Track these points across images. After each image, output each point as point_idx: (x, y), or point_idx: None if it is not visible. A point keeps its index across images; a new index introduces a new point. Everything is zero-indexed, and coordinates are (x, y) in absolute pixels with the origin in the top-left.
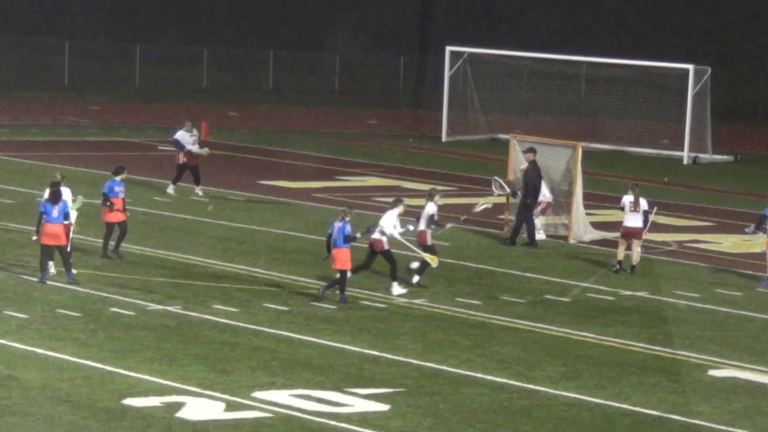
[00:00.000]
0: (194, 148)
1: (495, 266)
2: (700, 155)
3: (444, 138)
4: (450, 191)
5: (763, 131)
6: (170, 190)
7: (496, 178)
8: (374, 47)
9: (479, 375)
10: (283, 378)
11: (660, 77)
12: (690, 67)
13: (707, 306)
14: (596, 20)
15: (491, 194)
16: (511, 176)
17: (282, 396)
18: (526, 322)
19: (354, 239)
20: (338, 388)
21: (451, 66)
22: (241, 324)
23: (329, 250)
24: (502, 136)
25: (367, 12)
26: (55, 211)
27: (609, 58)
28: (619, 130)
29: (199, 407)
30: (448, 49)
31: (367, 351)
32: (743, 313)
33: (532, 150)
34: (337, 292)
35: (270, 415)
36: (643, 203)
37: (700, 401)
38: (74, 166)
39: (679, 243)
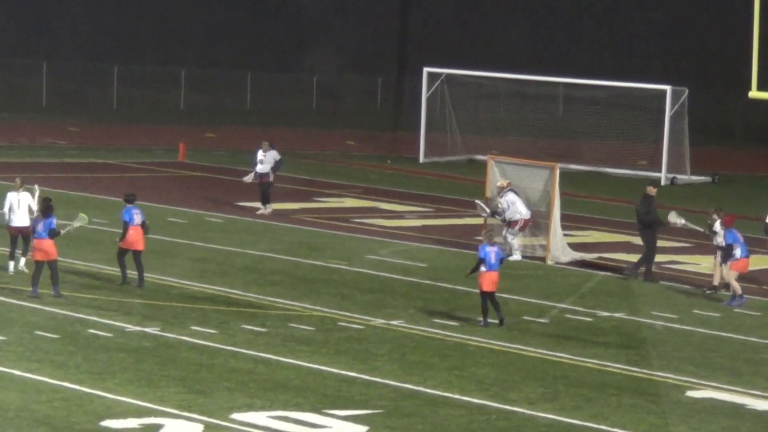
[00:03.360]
0: (259, 168)
1: (472, 287)
2: (678, 176)
3: (421, 159)
4: (427, 212)
5: (740, 152)
6: (264, 210)
7: (478, 201)
8: (352, 68)
9: (457, 396)
10: (261, 399)
11: (637, 98)
12: (667, 87)
13: (685, 327)
14: (574, 41)
15: (478, 215)
16: (488, 193)
17: (260, 418)
18: (503, 344)
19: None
20: (316, 410)
21: (429, 87)
22: (218, 345)
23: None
24: (479, 157)
25: (345, 33)
26: (41, 226)
27: (586, 79)
28: (596, 150)
29: (177, 429)
30: (426, 70)
31: (344, 372)
32: (721, 333)
33: None
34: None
35: None
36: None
37: (679, 422)
38: (52, 187)
39: (657, 264)
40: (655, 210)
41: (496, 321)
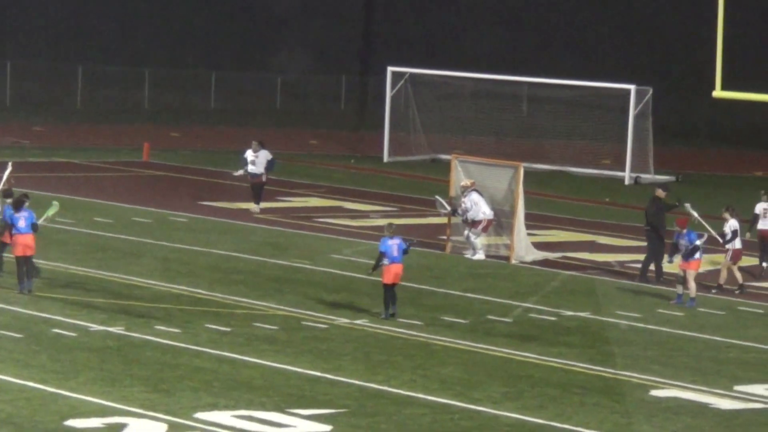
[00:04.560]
0: (251, 168)
1: (436, 287)
2: (642, 175)
3: (385, 158)
4: (391, 212)
5: (704, 151)
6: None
7: (438, 197)
8: (316, 67)
9: (421, 395)
10: (225, 399)
11: (601, 97)
12: (631, 87)
13: (649, 326)
14: (538, 41)
15: (438, 214)
16: (452, 193)
17: (224, 417)
18: (467, 343)
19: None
20: (280, 409)
21: (393, 86)
22: (182, 345)
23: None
24: (443, 156)
25: (309, 32)
26: (22, 222)
27: (551, 79)
28: (560, 150)
29: (141, 429)
30: (390, 69)
31: (308, 371)
32: (685, 333)
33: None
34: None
35: None
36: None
37: (642, 421)
38: (16, 187)
39: (621, 263)
40: (663, 213)
41: (392, 312)
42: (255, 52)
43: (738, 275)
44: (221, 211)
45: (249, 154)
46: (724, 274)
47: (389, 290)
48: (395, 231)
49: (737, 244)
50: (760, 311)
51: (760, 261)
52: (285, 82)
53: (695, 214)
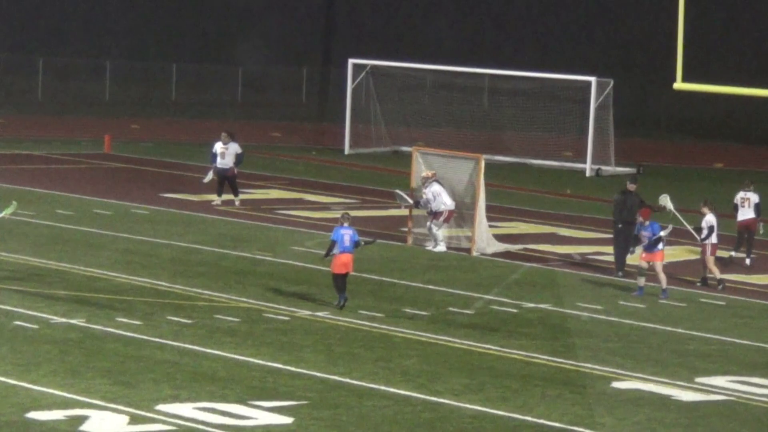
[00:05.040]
0: (220, 162)
1: (398, 279)
2: (603, 167)
3: (346, 150)
4: (352, 204)
5: (665, 143)
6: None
7: (398, 191)
8: (277, 60)
9: (382, 387)
10: (187, 391)
11: (562, 89)
12: (592, 79)
13: (610, 318)
14: (499, 32)
15: (398, 207)
16: (414, 184)
17: (186, 409)
18: (429, 335)
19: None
20: (242, 401)
21: (354, 78)
22: (144, 337)
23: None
24: (404, 148)
25: (270, 25)
26: None
27: (512, 71)
28: (521, 142)
29: (103, 420)
30: (351, 61)
31: (270, 363)
32: (646, 325)
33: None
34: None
35: (174, 428)
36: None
37: (604, 413)
38: None
39: (582, 255)
40: (633, 206)
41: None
42: (216, 45)
43: (715, 270)
44: (183, 203)
45: (218, 147)
46: (715, 269)
47: (338, 279)
48: (351, 222)
49: (714, 239)
50: (722, 303)
51: (736, 250)
52: (246, 74)
53: (671, 206)
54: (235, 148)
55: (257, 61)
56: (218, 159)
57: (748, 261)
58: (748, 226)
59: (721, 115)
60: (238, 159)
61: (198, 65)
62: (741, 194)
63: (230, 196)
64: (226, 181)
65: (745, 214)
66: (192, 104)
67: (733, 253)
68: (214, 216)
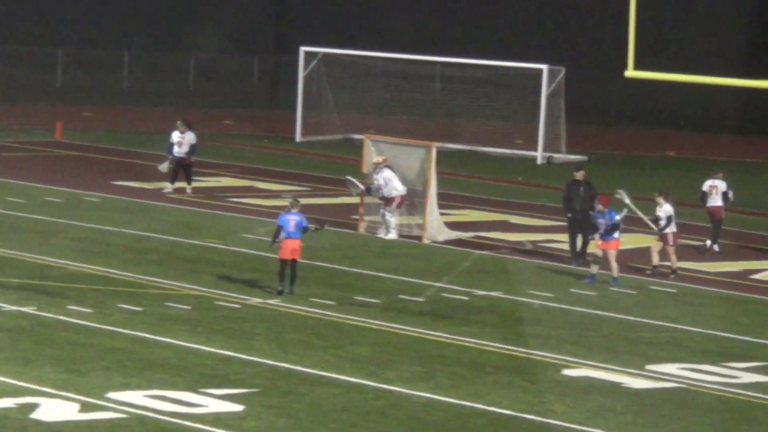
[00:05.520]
0: (177, 151)
1: (349, 266)
2: (554, 155)
3: (298, 138)
4: (304, 191)
5: (616, 131)
6: (169, 189)
7: (349, 177)
8: (229, 47)
9: (333, 375)
10: (138, 378)
11: (514, 77)
12: (544, 67)
13: (561, 306)
14: (451, 20)
15: (349, 194)
16: (365, 169)
17: (136, 396)
18: (380, 323)
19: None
20: (192, 389)
21: (306, 66)
22: (95, 325)
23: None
24: (356, 136)
25: (222, 12)
26: None
27: (463, 59)
28: (473, 130)
29: (54, 408)
30: (303, 49)
31: (221, 351)
32: (597, 312)
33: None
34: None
35: (125, 415)
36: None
37: (555, 400)
38: None
39: (534, 243)
40: (582, 195)
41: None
42: (168, 32)
43: (674, 259)
44: (134, 190)
45: (175, 136)
46: (674, 258)
47: (285, 265)
48: (300, 208)
49: (673, 228)
50: (673, 291)
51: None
52: (198, 62)
53: (628, 200)
54: (191, 137)
55: (209, 49)
56: (175, 148)
57: (716, 247)
58: (713, 213)
59: (673, 103)
60: (192, 149)
61: (150, 53)
62: (709, 182)
63: (183, 184)
64: (182, 170)
65: (713, 201)
66: (144, 92)
67: (708, 242)
68: (166, 204)
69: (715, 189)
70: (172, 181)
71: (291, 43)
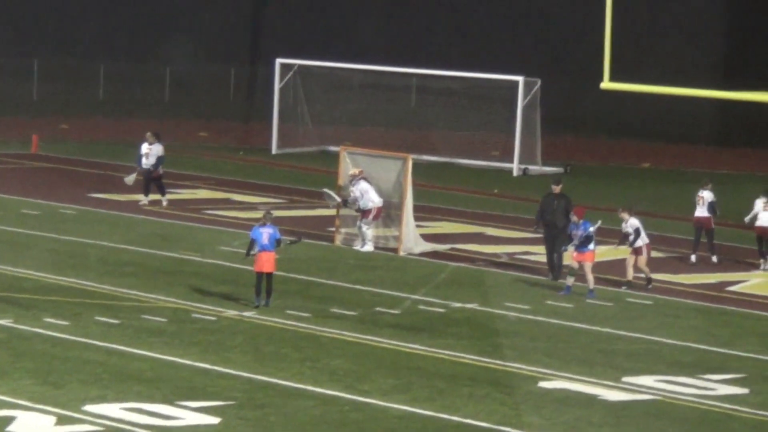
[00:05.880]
0: (145, 162)
1: (325, 279)
2: (530, 167)
3: (274, 150)
4: (280, 204)
5: (592, 142)
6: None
7: (326, 190)
8: (205, 59)
9: (310, 387)
10: (114, 391)
11: (490, 89)
12: (520, 78)
13: (538, 318)
14: (427, 32)
15: (326, 206)
16: (341, 181)
17: (113, 409)
18: (356, 335)
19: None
20: (169, 401)
21: (282, 78)
22: (72, 337)
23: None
24: (332, 148)
25: (198, 24)
26: None
27: (439, 70)
28: (449, 141)
29: (30, 421)
30: (278, 61)
31: (197, 364)
32: (573, 324)
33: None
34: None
35: (101, 428)
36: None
37: (531, 413)
38: None
39: (510, 254)
40: (559, 208)
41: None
42: (144, 44)
43: (647, 270)
44: (110, 203)
45: (144, 147)
46: (646, 269)
47: (261, 278)
48: (273, 221)
49: (645, 239)
50: (649, 302)
51: (695, 251)
52: (174, 73)
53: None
54: (158, 149)
55: (185, 61)
56: (143, 160)
57: (714, 258)
58: (701, 223)
59: (648, 115)
60: (158, 161)
61: (125, 64)
62: (699, 192)
63: (158, 196)
64: (152, 182)
65: (700, 211)
66: (120, 103)
67: (693, 257)
68: (142, 216)
69: (702, 199)
70: (146, 194)
71: (267, 55)
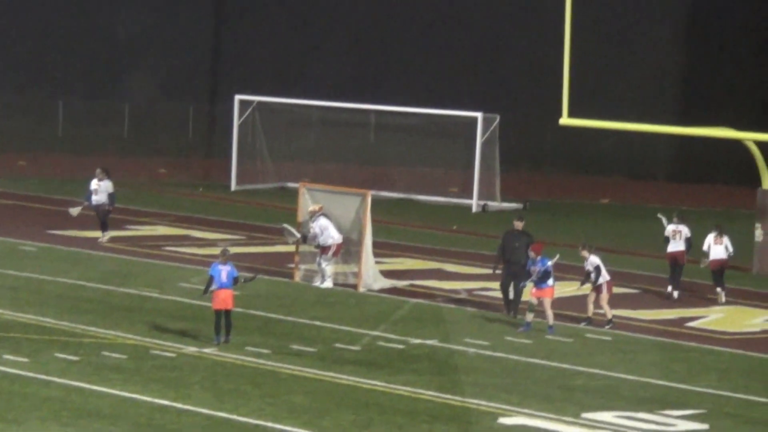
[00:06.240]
0: (95, 199)
1: (284, 315)
2: (489, 203)
3: (233, 187)
4: (239, 240)
5: (551, 178)
6: (102, 238)
7: (285, 225)
8: (163, 96)
9: (269, 424)
10: (74, 428)
11: (449, 125)
12: (478, 114)
13: (497, 354)
14: (385, 68)
15: (286, 242)
16: (300, 219)
17: None
18: (316, 371)
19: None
20: None
21: (241, 114)
22: (31, 374)
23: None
24: (291, 184)
25: (156, 60)
26: None
27: (398, 106)
28: (408, 177)
29: None
30: (237, 97)
31: (157, 400)
32: (533, 360)
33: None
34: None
35: None
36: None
37: None
38: None
39: (469, 291)
40: (522, 246)
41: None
42: (103, 80)
43: (607, 309)
44: (70, 239)
45: (93, 183)
46: (607, 308)
47: (220, 316)
48: (230, 258)
49: (606, 276)
50: (608, 338)
51: (671, 285)
52: (133, 109)
53: (551, 263)
54: (107, 186)
55: (144, 97)
56: (93, 196)
57: (675, 294)
58: (676, 258)
59: (606, 150)
60: (109, 198)
61: (84, 101)
62: (672, 227)
63: (99, 233)
64: (98, 216)
65: (676, 246)
66: (79, 140)
67: (675, 293)
68: (101, 252)
69: (679, 234)
70: (103, 230)
71: (225, 92)
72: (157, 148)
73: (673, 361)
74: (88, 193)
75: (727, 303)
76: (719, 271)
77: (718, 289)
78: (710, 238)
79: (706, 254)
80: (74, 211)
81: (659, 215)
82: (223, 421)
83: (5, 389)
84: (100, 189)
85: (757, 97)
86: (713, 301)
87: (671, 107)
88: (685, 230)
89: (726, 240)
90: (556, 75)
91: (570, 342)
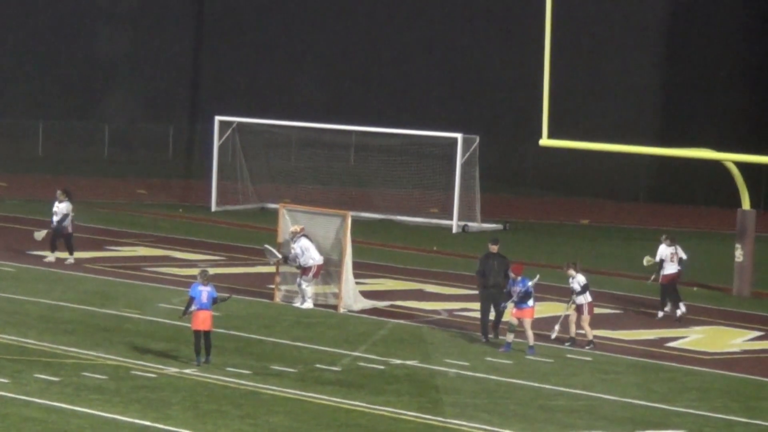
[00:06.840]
0: (54, 219)
1: (265, 335)
2: (470, 223)
3: (213, 208)
4: (219, 261)
5: (531, 199)
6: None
7: (267, 246)
8: (143, 117)
9: None
10: None
11: (429, 146)
12: (458, 135)
13: (478, 374)
14: (365, 89)
15: (267, 263)
16: (280, 239)
17: None
18: (296, 392)
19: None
20: None
21: (221, 135)
22: (10, 395)
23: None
24: (271, 205)
25: (136, 81)
26: None
27: (378, 128)
28: (388, 198)
29: None
30: (217, 118)
31: (137, 421)
32: (513, 381)
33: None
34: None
35: None
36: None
37: None
38: None
39: (449, 311)
40: (499, 269)
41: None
42: (82, 101)
43: (588, 330)
44: (49, 261)
45: (55, 205)
46: (588, 329)
47: (199, 337)
48: (209, 279)
49: (588, 297)
50: (588, 359)
51: (664, 307)
52: (113, 130)
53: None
54: (65, 207)
55: (124, 118)
56: (54, 217)
57: (678, 312)
58: (674, 279)
59: (586, 171)
60: (62, 219)
61: (64, 122)
62: (669, 251)
63: (66, 254)
64: (62, 239)
65: (672, 268)
66: (59, 161)
67: (660, 314)
68: (81, 273)
69: (675, 256)
70: (52, 250)
71: (205, 113)
72: (137, 168)
73: (654, 381)
74: (53, 215)
75: (707, 324)
76: (672, 285)
77: (681, 304)
78: (665, 250)
79: (659, 265)
80: (39, 235)
81: (645, 262)
82: None
83: None
84: (59, 210)
85: (736, 118)
86: (694, 322)
87: (651, 128)
88: (680, 252)
89: (679, 250)
90: (536, 96)
91: (551, 362)
